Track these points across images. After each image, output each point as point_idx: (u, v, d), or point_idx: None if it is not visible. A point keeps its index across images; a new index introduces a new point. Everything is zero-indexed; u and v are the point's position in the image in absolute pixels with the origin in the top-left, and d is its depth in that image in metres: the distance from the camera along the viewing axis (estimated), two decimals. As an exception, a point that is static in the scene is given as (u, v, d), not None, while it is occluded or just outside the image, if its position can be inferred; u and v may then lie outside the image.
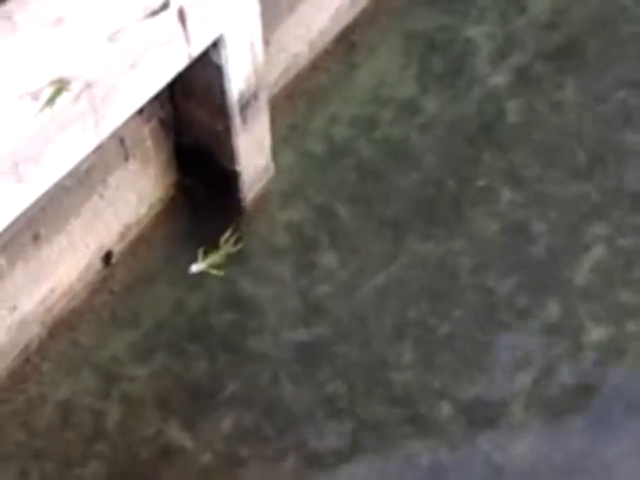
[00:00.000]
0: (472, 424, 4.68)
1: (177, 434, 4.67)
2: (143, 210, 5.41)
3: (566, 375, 4.86)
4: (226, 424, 4.72)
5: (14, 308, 4.75)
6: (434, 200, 5.57)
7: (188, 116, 5.31)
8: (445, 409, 4.72)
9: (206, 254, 5.12)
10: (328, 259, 5.38)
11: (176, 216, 5.50)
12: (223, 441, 4.66)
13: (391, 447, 4.60)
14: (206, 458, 4.61)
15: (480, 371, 4.87)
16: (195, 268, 5.11)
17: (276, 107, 5.71)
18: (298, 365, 4.95)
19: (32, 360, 4.88)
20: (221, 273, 5.11)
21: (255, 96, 5.24)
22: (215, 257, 5.13)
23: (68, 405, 4.76)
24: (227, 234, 5.21)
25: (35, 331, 4.91)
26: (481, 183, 5.63)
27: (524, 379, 4.83)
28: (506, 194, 5.57)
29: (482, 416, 4.71)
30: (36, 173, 4.34)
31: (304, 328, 5.11)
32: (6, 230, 4.38)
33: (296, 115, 6.00)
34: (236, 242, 5.22)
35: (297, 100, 6.05)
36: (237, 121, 5.18)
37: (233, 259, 5.27)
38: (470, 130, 5.84)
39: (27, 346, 4.89)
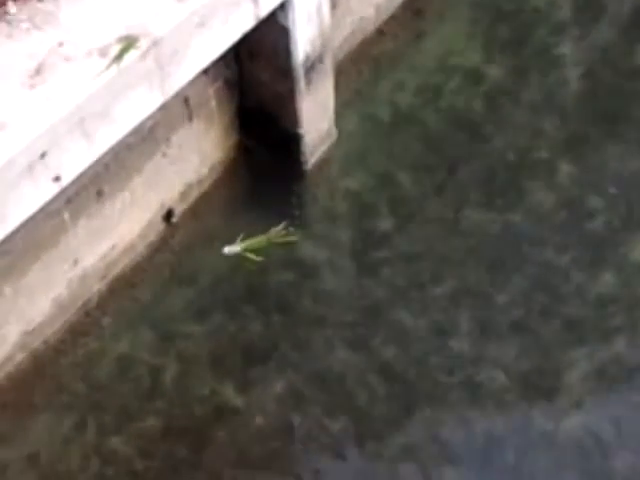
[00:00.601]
0: (526, 394, 4.65)
1: (231, 394, 4.71)
2: (205, 170, 5.44)
3: (622, 348, 4.81)
4: (279, 386, 4.74)
5: (76, 262, 4.81)
6: (495, 171, 5.53)
7: (253, 78, 5.32)
8: (500, 378, 4.69)
9: (248, 237, 5.07)
10: (387, 226, 5.37)
11: (237, 177, 5.53)
12: (275, 403, 4.69)
13: (444, 413, 4.59)
14: (259, 420, 4.64)
15: (536, 342, 4.83)
16: (228, 250, 5.06)
17: (341, 71, 5.70)
18: (353, 329, 4.95)
19: (92, 314, 4.94)
20: (259, 258, 5.04)
21: (320, 59, 5.22)
22: (257, 241, 5.06)
23: (126, 360, 4.82)
24: (280, 226, 5.13)
25: (95, 286, 4.98)
26: (542, 155, 5.58)
27: (580, 351, 4.80)
28: (566, 167, 5.51)
29: (537, 386, 4.69)
30: (102, 129, 4.38)
31: (360, 293, 5.11)
32: (71, 185, 4.43)
33: (361, 81, 5.98)
34: (287, 234, 5.13)
35: (362, 65, 6.03)
36: (301, 84, 5.18)
37: (293, 225, 5.30)
38: (533, 100, 5.77)
39: (87, 300, 4.96)
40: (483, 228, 5.29)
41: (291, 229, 5.14)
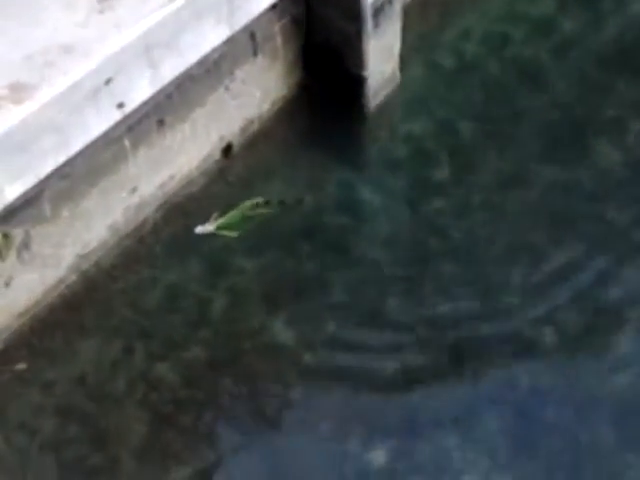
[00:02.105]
0: (575, 353, 4.61)
1: (280, 330, 4.72)
2: (266, 106, 5.42)
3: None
4: (329, 327, 4.74)
5: (134, 190, 4.84)
6: (560, 125, 5.45)
7: (320, 16, 5.27)
8: (550, 335, 4.65)
9: (223, 214, 4.94)
10: (445, 175, 5.33)
11: (297, 116, 5.50)
12: (324, 343, 4.69)
13: (490, 367, 4.57)
14: (306, 358, 4.65)
15: (590, 301, 4.78)
16: (200, 229, 4.92)
17: (409, 15, 5.62)
18: (405, 277, 4.94)
19: (146, 242, 4.97)
20: (234, 234, 4.91)
21: (390, 1, 5.16)
22: (230, 217, 4.93)
23: (176, 289, 4.85)
24: (255, 200, 4.99)
25: (151, 214, 5.00)
26: (610, 112, 5.48)
27: (634, 313, 4.75)
28: (634, 126, 5.41)
29: (586, 346, 4.65)
30: (167, 59, 4.39)
31: (414, 240, 5.08)
32: (134, 113, 4.45)
33: (428, 26, 5.91)
34: (263, 206, 4.96)
35: (430, 11, 5.95)
36: (369, 25, 5.12)
37: (352, 167, 5.29)
38: (606, 56, 5.66)
39: (142, 228, 4.99)
40: (543, 182, 5.22)
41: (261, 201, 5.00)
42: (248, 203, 5.00)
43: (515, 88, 5.61)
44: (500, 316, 4.76)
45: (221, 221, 4.94)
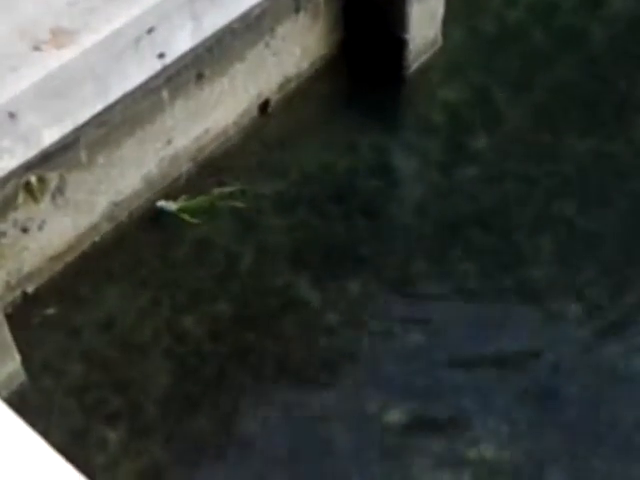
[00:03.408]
0: (601, 328, 4.59)
1: (305, 289, 4.73)
2: (305, 65, 5.40)
3: None
4: (354, 288, 4.75)
5: (169, 142, 4.85)
6: (600, 98, 5.40)
7: (365, -24, 5.25)
8: (575, 309, 4.63)
9: (190, 197, 4.83)
10: (480, 143, 5.30)
11: (337, 76, 5.49)
12: (349, 304, 4.70)
13: (513, 339, 4.56)
14: (330, 317, 4.66)
15: (618, 275, 4.76)
16: (162, 204, 4.81)
17: (454, -20, 5.59)
18: (433, 241, 4.94)
19: (178, 195, 4.99)
20: (195, 220, 4.80)
21: (436, -35, 5.13)
22: (197, 202, 4.83)
23: (205, 243, 4.87)
24: (227, 188, 4.86)
25: (185, 167, 5.02)
26: (655, 90, 5.42)
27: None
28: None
29: (612, 322, 4.62)
30: (210, 12, 4.39)
31: (444, 206, 5.07)
32: (173, 64, 4.46)
33: (472, -8, 5.86)
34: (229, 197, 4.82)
35: (477, -24, 5.90)
36: (414, -12, 5.10)
37: (387, 130, 5.26)
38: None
39: (175, 180, 5.00)
40: (579, 155, 5.19)
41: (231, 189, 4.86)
42: (219, 191, 4.88)
43: (558, 58, 5.56)
44: (526, 286, 4.75)
45: (186, 204, 4.83)
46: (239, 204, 4.90)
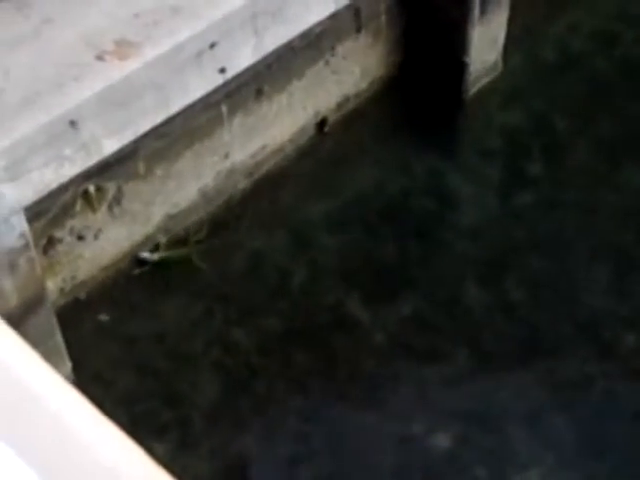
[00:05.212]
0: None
1: (356, 308, 4.72)
2: (364, 85, 5.42)
3: None
4: (405, 309, 4.73)
5: (226, 156, 4.89)
6: (663, 131, 5.35)
7: (427, -1, 5.26)
8: (630, 340, 4.57)
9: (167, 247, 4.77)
10: (537, 169, 5.27)
11: (394, 97, 5.49)
12: (399, 325, 4.69)
13: (565, 366, 4.51)
14: (379, 337, 4.65)
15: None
16: (145, 255, 4.72)
17: (516, 6, 5.55)
18: (486, 266, 4.91)
19: (233, 209, 5.01)
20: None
21: (499, -10, 5.13)
22: (177, 253, 4.77)
23: (259, 259, 4.89)
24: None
25: (241, 182, 5.04)
26: None
27: None
28: None
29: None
30: (272, 28, 4.41)
31: (499, 232, 5.04)
32: (234, 79, 4.49)
33: (535, 18, 5.83)
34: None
35: (539, 2, 5.87)
36: (476, 11, 5.08)
37: (443, 153, 5.26)
38: None
39: (231, 195, 5.03)
40: (637, 187, 5.13)
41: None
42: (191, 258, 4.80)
43: (619, 89, 5.51)
44: (580, 315, 4.71)
45: (165, 254, 4.77)
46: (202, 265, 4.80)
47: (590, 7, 5.81)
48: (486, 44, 5.34)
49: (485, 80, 5.50)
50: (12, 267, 3.84)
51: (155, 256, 4.77)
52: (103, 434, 1.72)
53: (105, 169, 4.28)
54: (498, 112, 5.52)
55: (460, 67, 5.32)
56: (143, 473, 1.67)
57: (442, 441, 4.30)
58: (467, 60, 5.28)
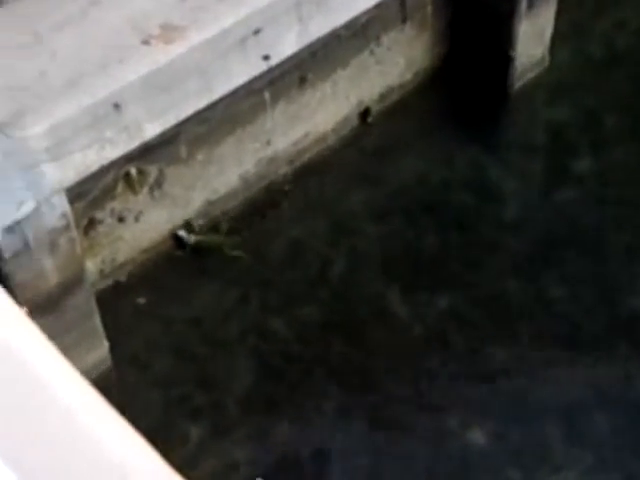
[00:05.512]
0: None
1: (395, 300, 4.69)
2: (408, 76, 5.38)
3: None
4: (443, 302, 4.70)
5: (268, 143, 4.88)
6: None
7: (474, -10, 5.21)
8: (671, 339, 4.53)
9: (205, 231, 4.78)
10: (582, 166, 5.21)
11: (439, 88, 5.45)
12: (437, 318, 4.65)
13: (606, 364, 4.46)
14: (417, 330, 4.62)
15: None
16: (182, 234, 4.72)
17: (564, 1, 5.49)
18: (526, 261, 4.86)
19: (274, 196, 5.00)
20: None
21: (547, -17, 5.07)
22: (208, 241, 4.77)
23: (299, 246, 4.87)
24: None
25: (282, 169, 5.03)
26: None
27: None
28: None
29: None
30: (316, 16, 4.38)
31: (541, 227, 4.99)
32: (277, 67, 4.47)
33: (582, 13, 5.76)
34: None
35: (588, -2, 5.81)
36: (523, 5, 5.03)
37: (486, 147, 5.21)
38: None
39: (272, 182, 5.02)
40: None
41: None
42: (228, 244, 4.81)
43: (666, 86, 5.45)
44: (620, 313, 4.64)
45: (200, 238, 4.78)
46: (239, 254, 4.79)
47: (637, 4, 5.73)
48: (533, 38, 5.28)
49: (531, 75, 5.44)
50: (53, 247, 3.86)
51: (192, 238, 4.76)
52: (113, 430, 1.72)
53: (147, 152, 4.28)
54: (543, 107, 5.46)
55: (506, 61, 5.27)
56: (151, 469, 1.67)
57: (477, 437, 4.26)
58: (513, 54, 5.22)
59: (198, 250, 4.75)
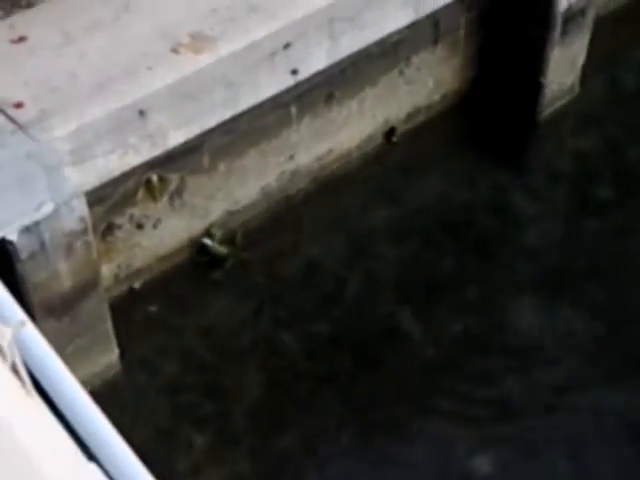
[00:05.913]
0: None
1: (408, 321, 4.68)
2: (437, 97, 5.37)
3: None
4: (456, 326, 4.68)
5: (291, 157, 4.88)
6: None
7: (507, 15, 5.18)
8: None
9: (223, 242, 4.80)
10: (606, 196, 5.18)
11: (466, 111, 5.44)
12: (449, 341, 4.63)
13: (614, 396, 4.39)
14: (429, 352, 4.59)
15: None
16: (206, 240, 4.76)
17: (598, 29, 5.46)
18: (543, 290, 4.83)
19: (294, 211, 5.00)
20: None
21: (582, 12, 5.04)
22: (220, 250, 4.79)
23: (314, 263, 4.87)
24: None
25: (304, 184, 5.03)
26: None
27: None
28: None
29: None
30: (347, 34, 4.38)
31: (560, 255, 4.96)
32: (305, 81, 4.47)
33: (617, 42, 5.75)
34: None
35: (622, 27, 5.78)
36: (557, 33, 5.02)
37: (511, 172, 5.19)
38: None
39: (293, 196, 5.03)
40: None
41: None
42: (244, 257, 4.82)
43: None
44: (634, 348, 4.60)
45: (221, 249, 4.78)
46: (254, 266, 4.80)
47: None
48: (564, 66, 5.25)
49: (561, 102, 5.42)
50: (69, 249, 3.88)
51: (215, 246, 4.77)
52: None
53: (169, 160, 4.30)
54: (571, 135, 5.44)
55: (536, 87, 5.25)
56: None
57: (482, 465, 4.24)
58: (543, 81, 5.20)
59: (214, 262, 4.75)
